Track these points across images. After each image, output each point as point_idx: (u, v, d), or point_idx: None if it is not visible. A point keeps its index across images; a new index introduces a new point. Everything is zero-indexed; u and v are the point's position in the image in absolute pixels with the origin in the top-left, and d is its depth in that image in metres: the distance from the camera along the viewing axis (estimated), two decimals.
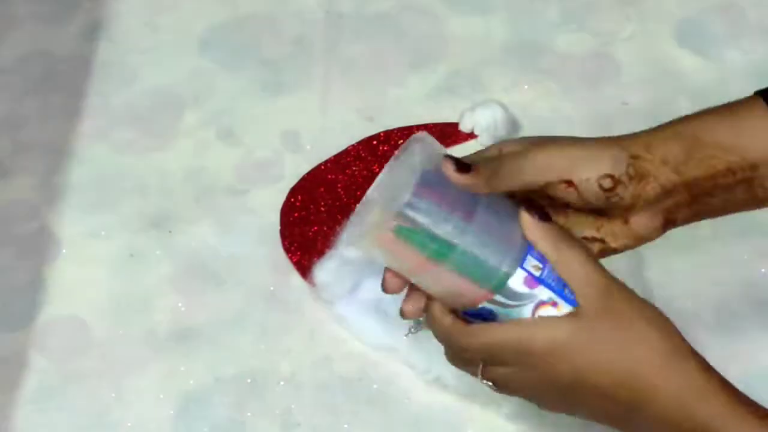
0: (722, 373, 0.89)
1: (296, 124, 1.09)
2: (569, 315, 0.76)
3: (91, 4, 1.19)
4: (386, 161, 1.00)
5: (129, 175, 1.02)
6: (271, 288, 0.98)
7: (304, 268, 0.98)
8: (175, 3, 1.20)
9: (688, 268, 0.98)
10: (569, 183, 0.79)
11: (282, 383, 0.92)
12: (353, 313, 0.95)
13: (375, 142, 1.06)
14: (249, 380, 0.93)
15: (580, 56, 1.15)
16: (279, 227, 1.00)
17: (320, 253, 0.98)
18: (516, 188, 0.78)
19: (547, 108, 1.08)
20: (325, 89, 1.12)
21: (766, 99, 0.86)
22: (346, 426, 0.90)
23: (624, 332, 0.76)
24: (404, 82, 1.13)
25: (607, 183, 0.80)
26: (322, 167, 1.04)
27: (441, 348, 0.89)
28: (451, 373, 0.90)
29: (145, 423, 0.90)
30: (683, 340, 0.77)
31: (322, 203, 1.02)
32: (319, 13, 1.19)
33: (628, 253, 0.83)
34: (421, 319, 0.91)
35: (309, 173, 1.04)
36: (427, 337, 0.91)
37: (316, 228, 1.01)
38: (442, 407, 0.91)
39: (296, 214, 1.01)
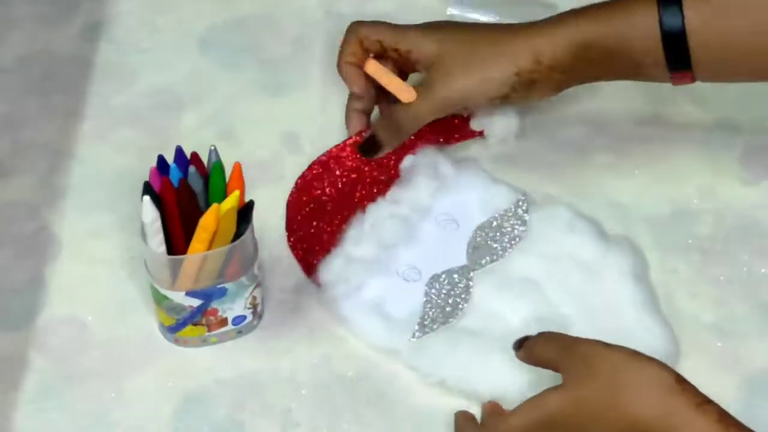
0: (722, 372, 0.89)
1: (296, 125, 1.09)
2: (556, 388, 0.80)
3: (91, 4, 1.19)
4: (395, 155, 1.01)
5: (129, 175, 1.02)
6: (271, 288, 0.97)
7: (310, 267, 0.98)
8: (175, 3, 1.20)
9: (688, 268, 0.98)
10: (465, 108, 1.01)
11: (282, 383, 0.92)
12: (357, 314, 0.94)
13: None
14: (249, 380, 0.93)
15: None
16: (285, 224, 1.00)
17: (326, 252, 0.98)
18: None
19: (548, 108, 1.08)
20: (325, 89, 1.12)
21: None
22: (346, 426, 0.90)
23: (613, 390, 0.78)
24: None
25: (497, 102, 0.97)
26: (326, 157, 1.03)
27: (444, 350, 0.90)
28: (453, 376, 0.90)
29: (145, 423, 0.90)
30: (677, 379, 0.78)
31: (329, 200, 1.01)
32: (319, 13, 1.19)
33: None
34: (426, 322, 0.92)
35: (309, 167, 1.03)
36: (431, 339, 0.92)
37: (323, 225, 1.00)
38: (442, 407, 0.91)
39: (304, 211, 1.01)
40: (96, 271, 0.99)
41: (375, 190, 1.01)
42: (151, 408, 0.91)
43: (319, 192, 1.01)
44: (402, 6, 1.19)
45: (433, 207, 1.00)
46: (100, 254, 1.00)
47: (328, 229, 0.99)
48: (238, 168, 0.89)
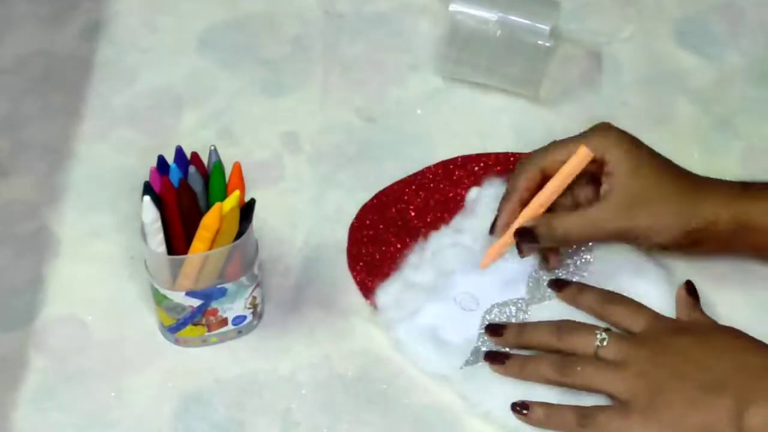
0: None
1: (296, 125, 1.09)
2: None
3: (91, 4, 1.19)
4: (461, 187, 1.00)
5: (129, 175, 1.02)
6: (271, 288, 0.97)
7: (368, 289, 0.97)
8: (175, 3, 1.20)
9: (688, 268, 0.98)
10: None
11: (282, 383, 0.92)
12: (411, 338, 0.94)
13: (451, 166, 1.05)
14: (249, 380, 0.92)
15: (580, 56, 1.15)
16: (347, 246, 1.00)
17: (385, 276, 0.98)
18: None
19: (548, 108, 1.08)
20: (325, 89, 1.12)
21: None
22: (346, 426, 0.90)
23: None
24: (404, 82, 1.13)
25: (657, 247, 0.95)
26: (395, 187, 1.04)
27: (494, 381, 0.90)
28: (500, 408, 0.90)
29: (145, 423, 0.90)
30: None
31: (392, 225, 1.01)
32: (318, 13, 1.19)
33: None
34: (480, 348, 0.92)
35: (382, 192, 1.03)
36: (483, 369, 0.92)
37: (383, 249, 1.00)
38: (442, 407, 0.91)
39: (366, 234, 1.01)
40: (96, 271, 0.99)
41: (439, 219, 1.01)
42: (151, 408, 0.91)
43: (383, 218, 1.02)
44: (402, 6, 1.19)
45: (496, 237, 0.99)
46: (100, 254, 1.00)
47: (389, 254, 0.99)
48: (237, 168, 0.89)
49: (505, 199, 0.95)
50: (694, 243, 0.93)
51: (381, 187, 1.04)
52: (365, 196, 1.03)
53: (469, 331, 0.94)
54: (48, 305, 0.97)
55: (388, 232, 1.01)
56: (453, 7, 1.09)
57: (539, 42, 1.08)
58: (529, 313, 0.95)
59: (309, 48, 1.16)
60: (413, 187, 1.04)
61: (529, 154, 0.96)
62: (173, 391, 0.92)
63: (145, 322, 0.96)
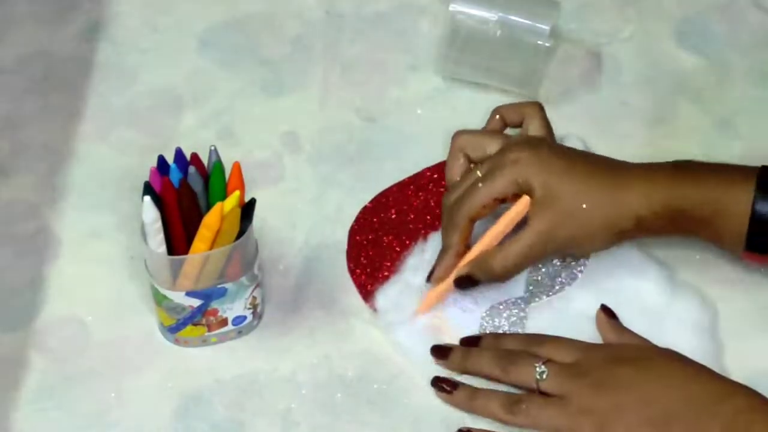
0: (722, 373, 0.89)
1: (296, 125, 1.09)
2: None
3: (91, 4, 1.19)
4: None
5: (129, 175, 1.02)
6: (271, 288, 0.97)
7: (367, 292, 0.97)
8: (175, 3, 1.20)
9: (688, 268, 0.98)
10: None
11: (282, 383, 0.92)
12: (411, 341, 0.94)
13: None
14: (249, 380, 0.92)
15: (580, 56, 1.15)
16: (347, 249, 1.00)
17: (385, 279, 0.98)
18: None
19: (548, 108, 1.08)
20: (325, 89, 1.12)
21: (762, 176, 0.91)
22: (346, 426, 0.90)
23: None
24: (404, 82, 1.13)
25: (594, 253, 0.96)
26: (394, 189, 1.04)
27: (494, 386, 0.90)
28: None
29: (145, 423, 0.90)
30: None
31: (391, 227, 1.01)
32: (319, 13, 1.19)
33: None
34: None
35: (381, 194, 1.03)
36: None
37: (383, 251, 1.00)
38: (442, 407, 0.91)
39: (365, 237, 1.01)
40: (96, 271, 0.99)
41: (438, 219, 1.01)
42: (151, 408, 0.91)
43: (383, 220, 1.01)
44: (402, 6, 1.19)
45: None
46: (100, 254, 1.00)
47: (389, 257, 0.99)
48: (237, 168, 0.88)
49: (442, 254, 0.95)
50: (630, 238, 0.93)
51: (381, 187, 1.04)
52: (365, 196, 1.03)
53: (467, 332, 0.94)
54: (48, 305, 0.97)
55: (387, 234, 1.01)
56: (453, 7, 1.09)
57: (539, 42, 1.08)
58: (527, 312, 0.95)
59: (309, 48, 1.16)
60: (412, 188, 1.04)
61: (457, 199, 0.94)
62: (173, 391, 0.92)
63: (145, 322, 0.96)
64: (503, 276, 0.93)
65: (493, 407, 0.88)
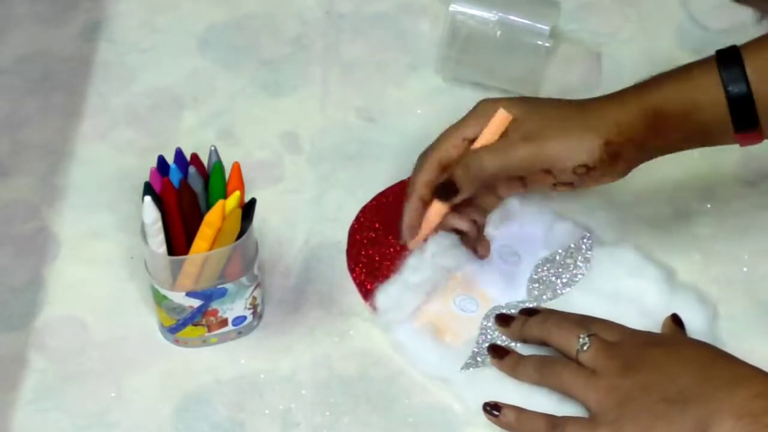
0: None
1: (296, 125, 1.09)
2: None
3: (91, 4, 1.19)
4: None
5: (129, 175, 1.02)
6: (271, 288, 0.97)
7: (367, 291, 0.97)
8: (175, 3, 1.20)
9: (688, 268, 0.98)
10: (547, 171, 0.91)
11: (282, 383, 0.92)
12: (411, 340, 0.94)
13: None
14: (249, 380, 0.93)
15: (580, 56, 1.15)
16: (347, 249, 1.00)
17: (385, 278, 0.97)
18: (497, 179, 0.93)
19: None
20: (325, 89, 1.12)
21: (721, 60, 0.90)
22: (346, 426, 0.90)
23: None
24: (404, 82, 1.13)
25: (581, 170, 0.91)
26: (395, 188, 1.04)
27: (494, 384, 0.90)
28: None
29: (145, 423, 0.90)
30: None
31: (391, 227, 1.00)
32: (319, 13, 1.19)
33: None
34: (478, 357, 0.92)
35: (381, 193, 1.04)
36: (482, 372, 0.92)
37: (383, 251, 1.00)
38: (442, 407, 0.91)
39: (365, 236, 1.01)
40: (96, 271, 0.99)
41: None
42: (151, 408, 0.91)
43: (382, 220, 1.01)
44: (402, 6, 1.19)
45: (496, 238, 0.99)
46: (100, 254, 1.00)
47: (389, 256, 0.99)
48: (237, 168, 0.88)
49: (406, 199, 0.95)
50: (614, 157, 0.90)
51: (381, 187, 1.04)
52: (365, 196, 1.03)
53: (468, 334, 0.94)
54: (48, 305, 0.97)
55: (387, 233, 1.01)
56: (453, 7, 1.09)
57: (539, 42, 1.08)
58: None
59: (309, 48, 1.16)
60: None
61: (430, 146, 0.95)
62: (173, 391, 0.92)
63: (145, 322, 0.96)
64: (479, 177, 0.92)
65: (530, 370, 0.90)
